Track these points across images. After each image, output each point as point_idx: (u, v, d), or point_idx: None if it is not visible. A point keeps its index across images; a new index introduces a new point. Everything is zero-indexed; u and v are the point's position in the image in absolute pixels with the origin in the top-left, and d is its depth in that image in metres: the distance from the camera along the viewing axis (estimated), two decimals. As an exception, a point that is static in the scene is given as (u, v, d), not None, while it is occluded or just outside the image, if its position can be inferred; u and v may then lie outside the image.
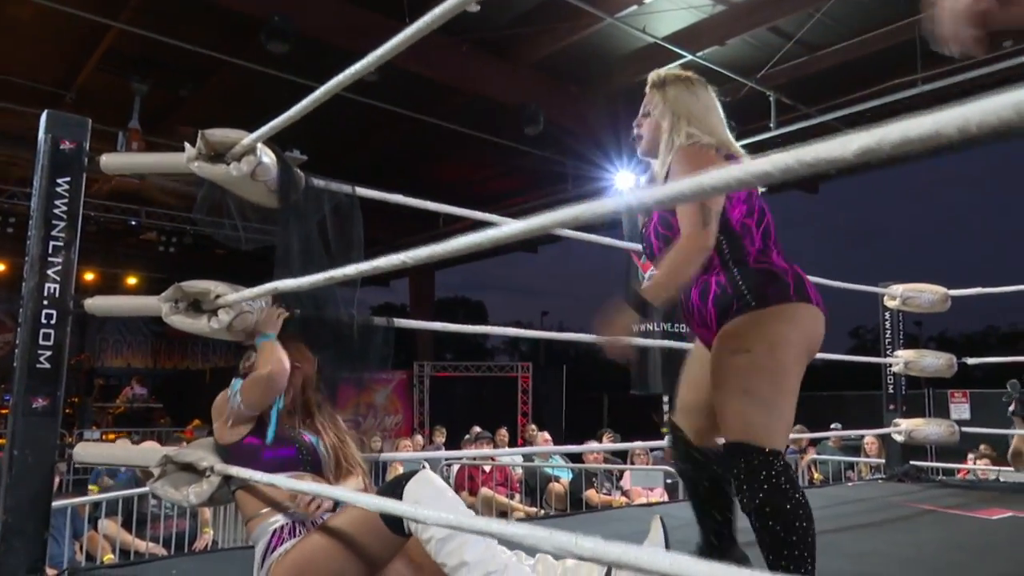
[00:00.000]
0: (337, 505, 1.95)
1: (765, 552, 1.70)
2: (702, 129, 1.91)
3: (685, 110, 1.95)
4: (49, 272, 2.17)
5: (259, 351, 2.12)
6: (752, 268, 1.81)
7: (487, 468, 6.79)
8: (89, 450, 2.40)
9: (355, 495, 1.64)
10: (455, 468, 6.88)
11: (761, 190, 1.93)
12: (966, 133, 0.51)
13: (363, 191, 2.78)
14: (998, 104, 0.49)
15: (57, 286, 2.18)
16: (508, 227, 0.96)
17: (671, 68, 2.10)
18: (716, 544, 2.05)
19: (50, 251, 2.18)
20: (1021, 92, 0.48)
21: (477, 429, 8.75)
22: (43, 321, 2.14)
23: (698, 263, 1.76)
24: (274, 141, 2.16)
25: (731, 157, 1.91)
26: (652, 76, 2.07)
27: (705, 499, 2.05)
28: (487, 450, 7.54)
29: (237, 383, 2.06)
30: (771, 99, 9.05)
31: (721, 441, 1.86)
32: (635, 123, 2.07)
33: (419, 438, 10.39)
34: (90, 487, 5.64)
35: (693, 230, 1.73)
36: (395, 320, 3.21)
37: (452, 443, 9.37)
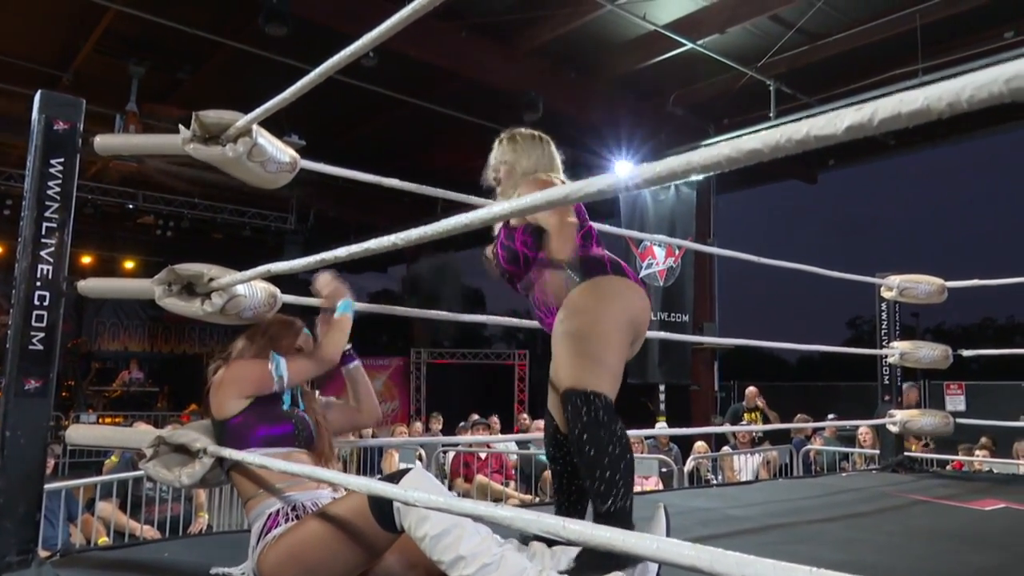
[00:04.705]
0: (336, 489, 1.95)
1: (584, 478, 1.98)
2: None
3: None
4: (42, 254, 2.15)
5: (336, 324, 2.27)
6: (573, 258, 2.15)
7: (483, 455, 6.80)
8: (82, 432, 2.39)
9: (347, 477, 1.63)
10: (450, 455, 6.89)
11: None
12: (956, 108, 0.50)
13: (360, 175, 2.77)
14: (988, 78, 0.48)
15: (50, 267, 2.16)
16: (497, 207, 0.95)
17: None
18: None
19: (43, 232, 2.16)
20: (1009, 66, 0.47)
21: (475, 416, 8.75)
22: (36, 303, 2.12)
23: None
24: (273, 124, 2.15)
25: None
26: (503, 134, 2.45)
27: (563, 481, 2.24)
28: (483, 436, 7.55)
29: (280, 359, 2.10)
30: (771, 88, 9.03)
31: None
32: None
33: (418, 425, 10.40)
34: (112, 458, 5.64)
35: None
36: (392, 308, 3.22)
37: (448, 430, 9.38)
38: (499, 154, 2.42)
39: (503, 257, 2.27)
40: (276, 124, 2.12)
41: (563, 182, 2.32)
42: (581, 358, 2.01)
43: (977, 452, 6.57)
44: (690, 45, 8.50)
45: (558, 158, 2.41)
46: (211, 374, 2.14)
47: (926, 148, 12.12)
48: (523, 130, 2.45)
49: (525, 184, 2.29)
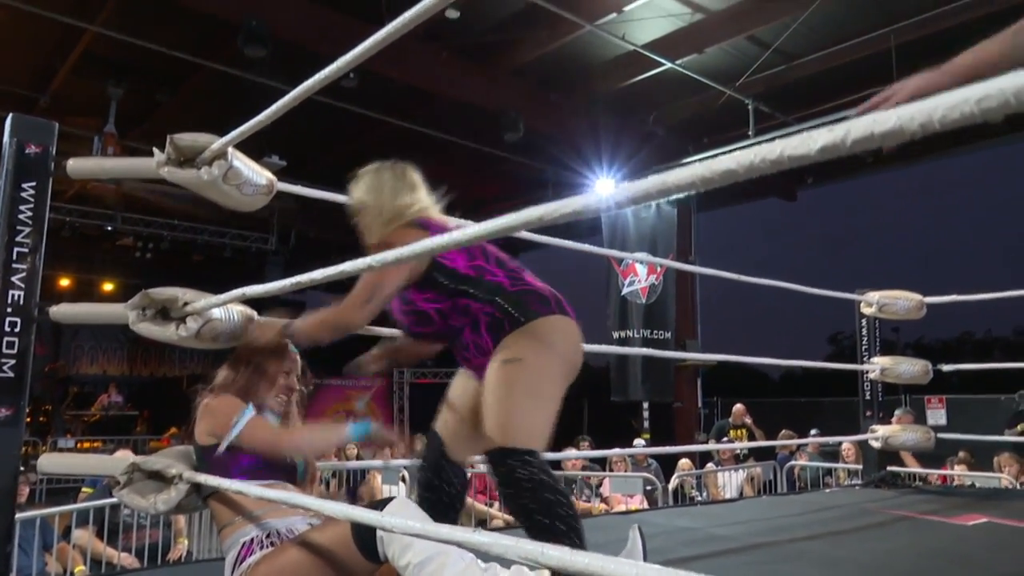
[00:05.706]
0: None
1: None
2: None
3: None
4: (13, 279, 2.12)
5: (333, 428, 2.05)
6: (512, 292, 1.97)
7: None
8: (55, 460, 2.34)
9: (324, 503, 1.60)
10: (434, 476, 6.82)
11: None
12: (929, 128, 0.50)
13: (336, 197, 2.75)
14: (959, 99, 0.48)
15: (21, 293, 2.12)
16: (470, 230, 0.94)
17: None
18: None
19: (14, 257, 2.12)
20: (980, 87, 0.47)
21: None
22: (7, 329, 2.09)
23: (337, 334, 2.03)
24: (253, 145, 2.13)
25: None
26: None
27: (433, 509, 2.00)
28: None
29: (246, 414, 1.97)
30: (749, 107, 9.13)
31: (473, 456, 2.08)
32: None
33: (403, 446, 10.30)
34: (84, 489, 5.51)
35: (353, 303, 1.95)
36: (373, 328, 3.18)
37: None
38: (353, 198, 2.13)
39: (411, 323, 2.04)
40: (256, 145, 2.10)
41: (426, 222, 2.02)
42: (519, 410, 1.85)
43: (956, 467, 6.59)
44: (669, 65, 8.59)
45: (415, 185, 2.09)
46: (198, 402, 2.09)
47: (903, 166, 12.28)
48: (371, 165, 2.14)
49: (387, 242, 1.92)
